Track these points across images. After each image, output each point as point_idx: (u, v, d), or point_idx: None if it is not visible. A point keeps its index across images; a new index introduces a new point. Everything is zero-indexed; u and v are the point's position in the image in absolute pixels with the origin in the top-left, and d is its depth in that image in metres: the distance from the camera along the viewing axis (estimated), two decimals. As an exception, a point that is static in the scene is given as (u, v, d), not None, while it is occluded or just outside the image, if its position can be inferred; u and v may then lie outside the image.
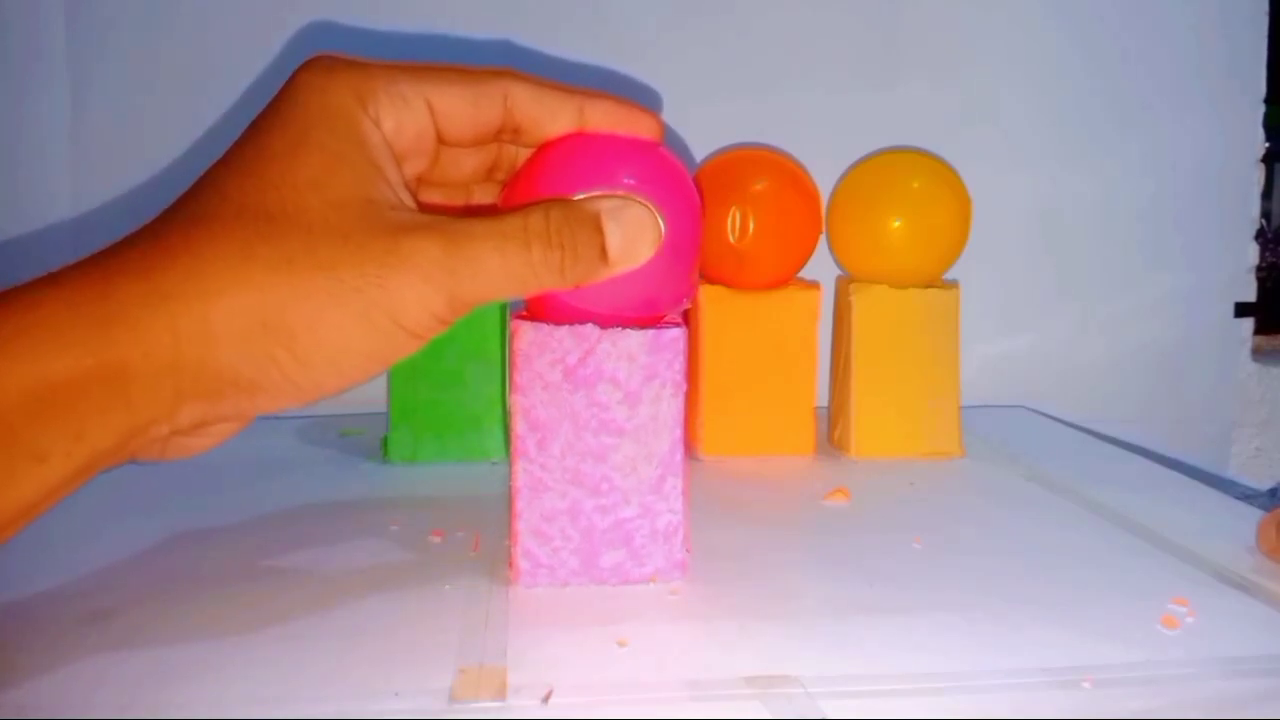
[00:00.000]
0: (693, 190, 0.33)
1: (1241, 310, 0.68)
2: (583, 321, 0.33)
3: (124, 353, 0.25)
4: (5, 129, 0.59)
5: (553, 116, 0.31)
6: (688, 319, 0.54)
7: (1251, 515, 0.42)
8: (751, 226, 0.50)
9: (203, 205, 0.27)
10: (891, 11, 0.63)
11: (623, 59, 0.61)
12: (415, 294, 0.27)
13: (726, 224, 0.50)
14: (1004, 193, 0.64)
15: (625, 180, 0.31)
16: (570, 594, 0.34)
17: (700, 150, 0.60)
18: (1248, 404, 0.69)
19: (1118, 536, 0.40)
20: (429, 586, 0.34)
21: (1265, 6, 0.66)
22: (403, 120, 0.29)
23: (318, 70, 0.29)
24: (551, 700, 0.27)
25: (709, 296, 0.51)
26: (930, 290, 0.51)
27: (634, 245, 0.30)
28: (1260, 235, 0.67)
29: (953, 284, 0.52)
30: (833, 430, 0.54)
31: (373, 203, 0.27)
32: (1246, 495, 0.58)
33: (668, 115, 0.61)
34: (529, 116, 0.31)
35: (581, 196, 0.30)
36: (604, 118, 0.31)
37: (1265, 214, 0.68)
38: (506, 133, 0.31)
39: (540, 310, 0.33)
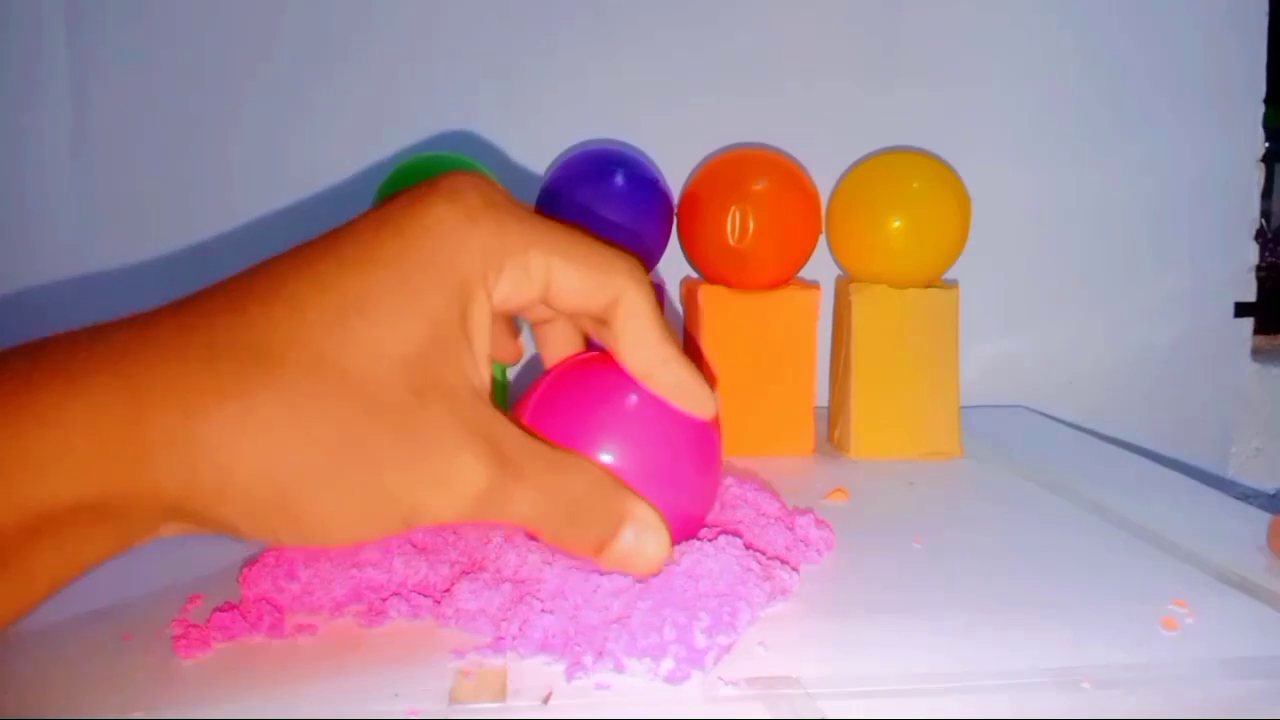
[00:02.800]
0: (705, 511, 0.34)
1: (1241, 310, 0.68)
2: None
3: (137, 490, 0.23)
4: (6, 130, 0.58)
5: (634, 347, 0.30)
6: (688, 322, 0.54)
7: (1252, 515, 0.42)
8: (751, 226, 0.50)
9: (277, 333, 0.24)
10: (892, 12, 0.63)
11: (623, 58, 0.62)
12: (440, 507, 0.26)
13: (726, 224, 0.50)
14: (1004, 193, 0.64)
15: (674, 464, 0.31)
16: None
17: (700, 150, 0.60)
18: (1248, 404, 0.69)
19: (1118, 537, 0.40)
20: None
21: (1265, 6, 0.66)
22: (517, 290, 0.28)
23: (458, 215, 0.27)
24: (551, 701, 0.27)
25: (709, 296, 0.51)
26: (930, 290, 0.51)
27: (631, 560, 0.28)
28: (1260, 235, 0.67)
29: (953, 284, 0.52)
30: (832, 430, 0.54)
31: (451, 395, 0.26)
32: (1246, 495, 0.58)
33: (668, 115, 0.62)
34: (619, 331, 0.30)
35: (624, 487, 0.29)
36: (672, 381, 0.30)
37: (1265, 214, 0.68)
38: (591, 320, 0.31)
39: None
